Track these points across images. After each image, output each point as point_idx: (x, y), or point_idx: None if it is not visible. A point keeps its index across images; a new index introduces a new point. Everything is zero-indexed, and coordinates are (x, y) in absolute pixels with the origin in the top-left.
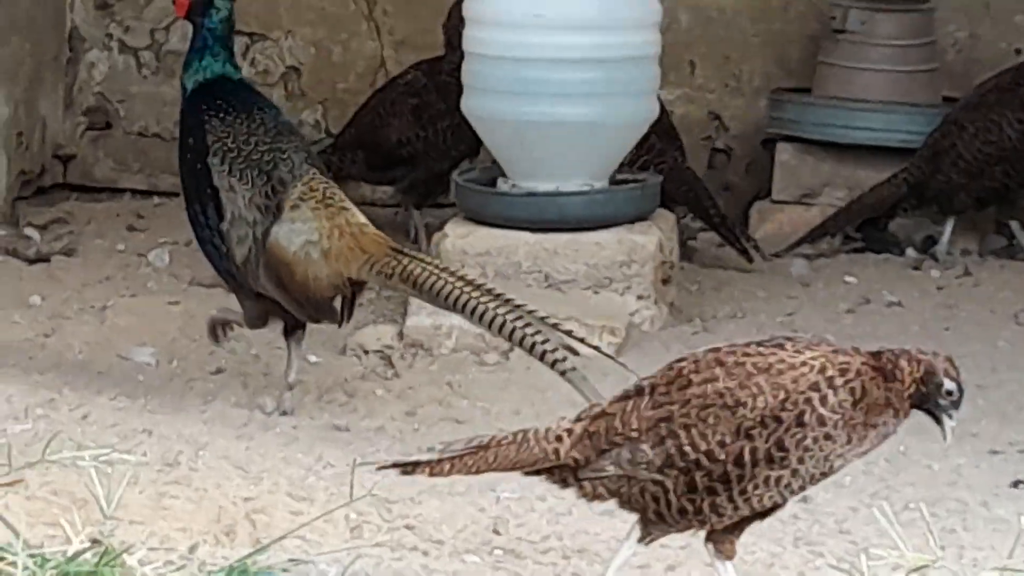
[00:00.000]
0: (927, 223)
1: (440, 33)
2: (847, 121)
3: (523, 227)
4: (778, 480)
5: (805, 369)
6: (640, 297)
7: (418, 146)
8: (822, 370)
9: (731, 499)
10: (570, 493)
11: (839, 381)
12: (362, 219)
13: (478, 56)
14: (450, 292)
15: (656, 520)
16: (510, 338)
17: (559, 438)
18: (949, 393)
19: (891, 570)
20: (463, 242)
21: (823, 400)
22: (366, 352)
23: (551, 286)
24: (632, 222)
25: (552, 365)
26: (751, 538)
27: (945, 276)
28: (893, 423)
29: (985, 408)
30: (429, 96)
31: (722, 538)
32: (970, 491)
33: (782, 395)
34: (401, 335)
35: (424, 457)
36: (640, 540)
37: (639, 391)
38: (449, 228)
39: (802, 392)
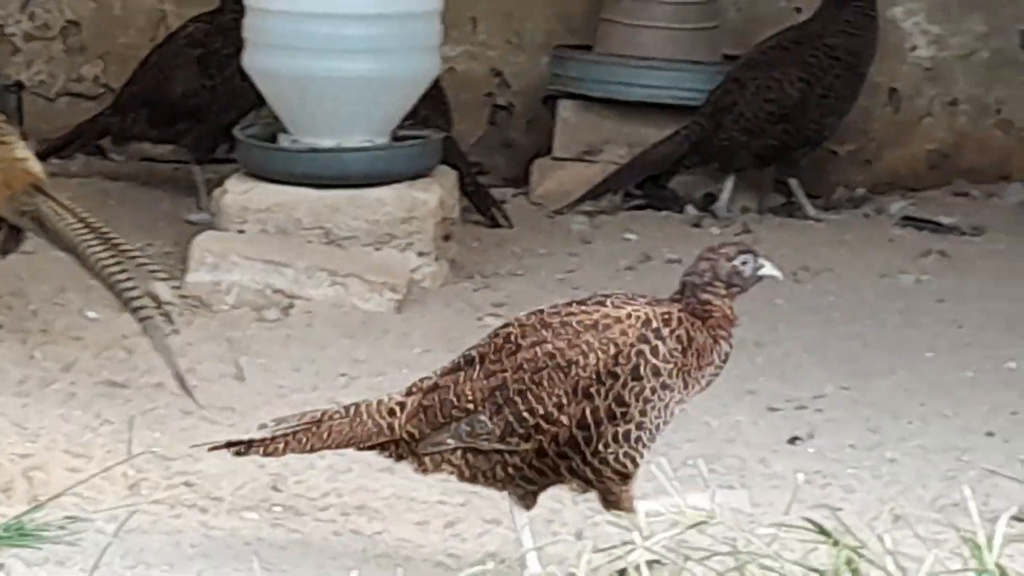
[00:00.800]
0: (707, 180)
1: None
2: (628, 78)
3: (305, 183)
4: (626, 435)
5: (632, 321)
6: (421, 254)
7: (204, 96)
8: (647, 322)
9: (586, 461)
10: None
11: (665, 332)
12: (20, 154)
13: (259, 11)
14: (66, 235)
15: (521, 484)
16: (107, 285)
17: (392, 412)
18: (744, 264)
19: (669, 526)
20: (243, 198)
21: (655, 351)
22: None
23: (332, 243)
24: (414, 179)
25: (135, 313)
26: None
27: (724, 234)
28: (726, 350)
29: (763, 366)
30: (213, 44)
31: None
32: (748, 448)
33: (613, 350)
34: (181, 291)
35: (257, 436)
36: (526, 508)
37: (468, 361)
38: (230, 184)
39: (632, 345)
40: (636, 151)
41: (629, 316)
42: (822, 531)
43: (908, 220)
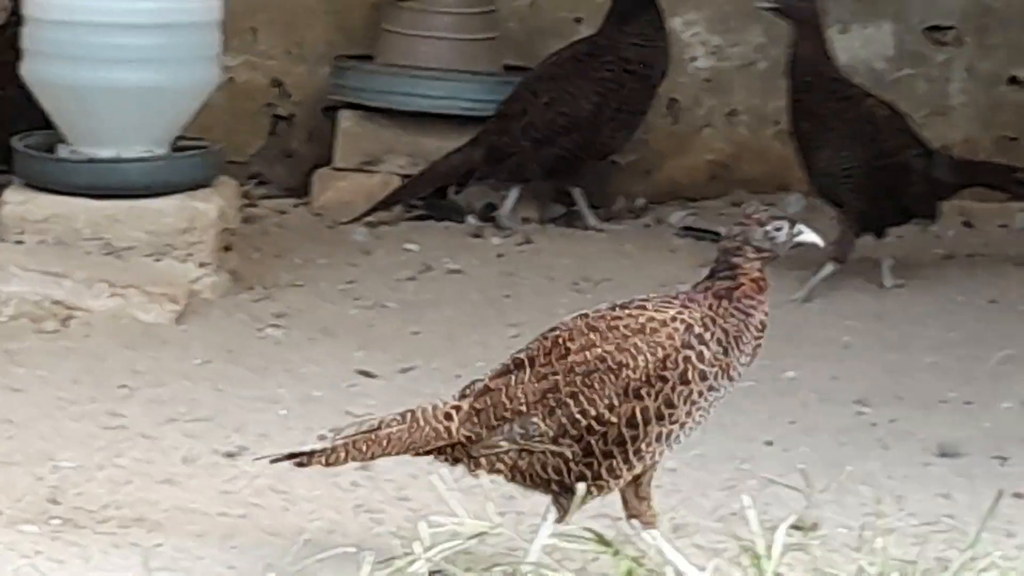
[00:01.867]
0: (487, 191)
1: None
2: (409, 88)
3: (84, 194)
4: (668, 435)
5: (676, 325)
6: (202, 264)
7: None
8: (690, 327)
9: (627, 460)
10: (130, 461)
11: (707, 336)
12: None
13: (36, 21)
14: None
15: (560, 491)
16: None
17: (448, 416)
18: (778, 230)
19: (450, 537)
20: (22, 208)
21: (700, 357)
22: None
23: (112, 253)
24: (194, 189)
25: None
26: (311, 506)
27: (506, 244)
28: (760, 318)
29: None
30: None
31: (640, 509)
32: None
33: (661, 353)
34: None
35: (318, 446)
36: (558, 520)
37: (518, 364)
38: (8, 195)
39: (678, 350)
40: (417, 161)
41: (673, 320)
42: (603, 541)
43: (688, 230)
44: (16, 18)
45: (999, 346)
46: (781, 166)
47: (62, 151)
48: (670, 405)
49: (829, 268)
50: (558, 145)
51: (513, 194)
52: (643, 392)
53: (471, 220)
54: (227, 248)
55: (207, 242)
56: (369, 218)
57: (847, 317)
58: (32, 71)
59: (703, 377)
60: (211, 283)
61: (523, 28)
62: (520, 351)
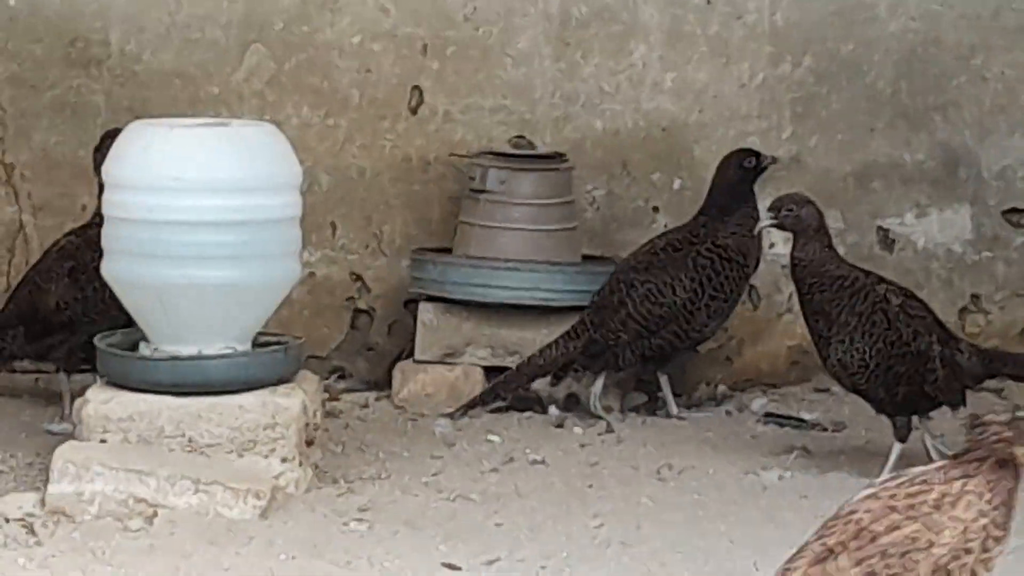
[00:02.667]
0: (568, 380)
1: (76, 198)
2: (488, 280)
3: (167, 391)
4: None
5: (970, 498)
6: (284, 459)
7: (76, 309)
8: (979, 495)
9: None
10: None
11: (995, 501)
12: None
13: (117, 219)
14: None
15: None
16: None
17: None
18: None
19: None
20: (105, 408)
21: (995, 524)
22: (7, 520)
23: (195, 450)
24: (276, 384)
25: None
26: None
27: (588, 433)
28: None
29: (629, 565)
30: (84, 257)
31: None
32: None
33: (961, 527)
34: (43, 502)
35: None
36: None
37: (829, 551)
38: (91, 394)
39: (975, 520)
40: (498, 353)
41: (964, 493)
42: None
43: (770, 417)
44: (99, 218)
45: None
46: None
47: (144, 349)
48: (974, 574)
49: (896, 449)
50: (656, 335)
51: (599, 382)
52: (951, 567)
53: (553, 411)
54: (310, 443)
55: (290, 437)
56: (450, 410)
57: None
58: (113, 270)
59: (997, 540)
60: (294, 478)
61: (600, 217)
62: (820, 537)
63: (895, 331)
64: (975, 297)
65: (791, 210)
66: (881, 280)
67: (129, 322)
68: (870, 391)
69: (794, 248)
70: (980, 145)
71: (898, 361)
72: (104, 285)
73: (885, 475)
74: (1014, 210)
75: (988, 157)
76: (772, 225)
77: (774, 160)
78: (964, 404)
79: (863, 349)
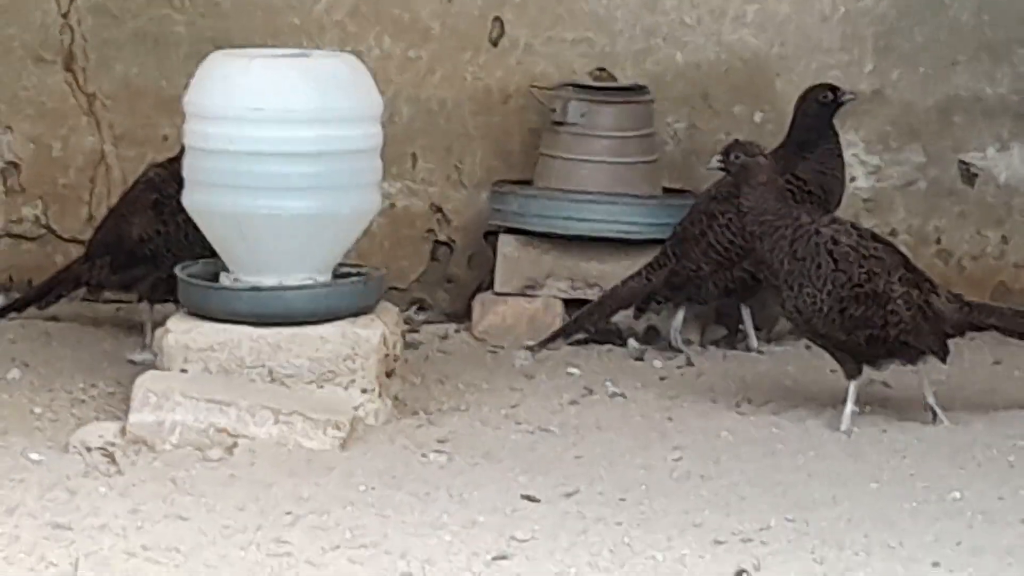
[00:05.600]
0: (649, 313)
1: (158, 128)
2: (568, 213)
3: (247, 322)
4: None
5: None
6: (364, 391)
7: (159, 242)
8: None
9: None
10: None
11: None
12: None
13: (198, 150)
14: None
15: None
16: None
17: None
18: None
19: None
20: (186, 337)
21: None
22: (88, 449)
23: (275, 380)
24: (356, 315)
25: None
26: None
27: (667, 367)
28: None
29: (708, 498)
30: (169, 190)
31: None
32: None
33: None
34: (124, 431)
35: None
36: None
37: None
38: (171, 323)
39: None
40: (578, 285)
41: None
42: None
43: None
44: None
45: None
46: (943, 284)
47: (225, 280)
48: None
49: (852, 389)
50: (738, 267)
51: (679, 315)
52: None
53: (632, 343)
54: (389, 374)
55: (370, 368)
56: (529, 342)
57: (1013, 436)
58: (194, 200)
59: None
60: (374, 409)
61: (680, 150)
62: None
63: (843, 272)
64: None
65: (738, 158)
66: (833, 221)
67: (212, 254)
68: (830, 336)
69: (740, 196)
70: None
71: (851, 303)
72: (188, 218)
73: (846, 418)
74: None
75: None
76: (719, 169)
77: (853, 96)
78: (947, 353)
79: (812, 293)
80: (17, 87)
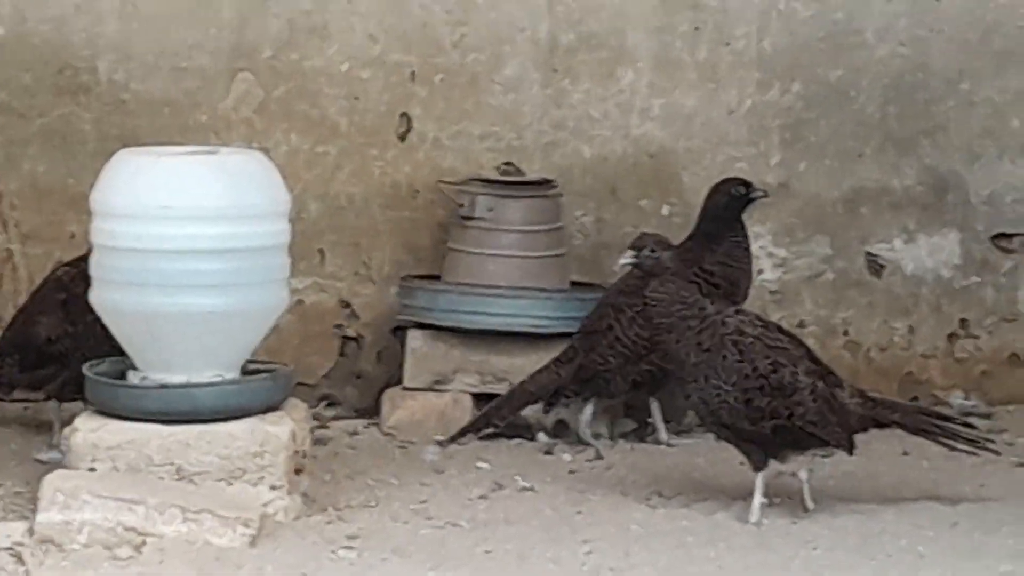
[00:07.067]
0: (558, 407)
1: (65, 226)
2: (477, 307)
3: (156, 419)
4: None
5: None
6: (273, 487)
7: (67, 343)
8: None
9: None
10: None
11: None
12: None
13: (105, 248)
14: None
15: None
16: None
17: None
18: None
19: None
20: (94, 436)
21: None
22: None
23: (184, 478)
24: (265, 412)
25: None
26: None
27: (577, 460)
28: None
29: None
30: (77, 289)
31: None
32: None
33: None
34: (32, 531)
35: None
36: None
37: None
38: (79, 422)
39: None
40: (487, 379)
41: None
42: None
43: None
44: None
45: None
46: (850, 376)
47: (132, 378)
48: None
49: (759, 481)
50: (646, 360)
51: (588, 409)
52: None
53: (542, 437)
54: (299, 470)
55: (279, 465)
56: (439, 437)
57: (922, 527)
58: (102, 298)
59: None
60: (283, 506)
61: (589, 244)
62: None
63: (749, 363)
64: (964, 322)
65: (653, 251)
66: (739, 312)
67: (122, 352)
68: (736, 427)
69: (648, 288)
70: (968, 170)
71: (756, 394)
72: (97, 317)
73: (755, 510)
74: (1002, 235)
75: (976, 182)
76: (632, 264)
77: (764, 193)
78: (853, 446)
79: (718, 385)
80: None
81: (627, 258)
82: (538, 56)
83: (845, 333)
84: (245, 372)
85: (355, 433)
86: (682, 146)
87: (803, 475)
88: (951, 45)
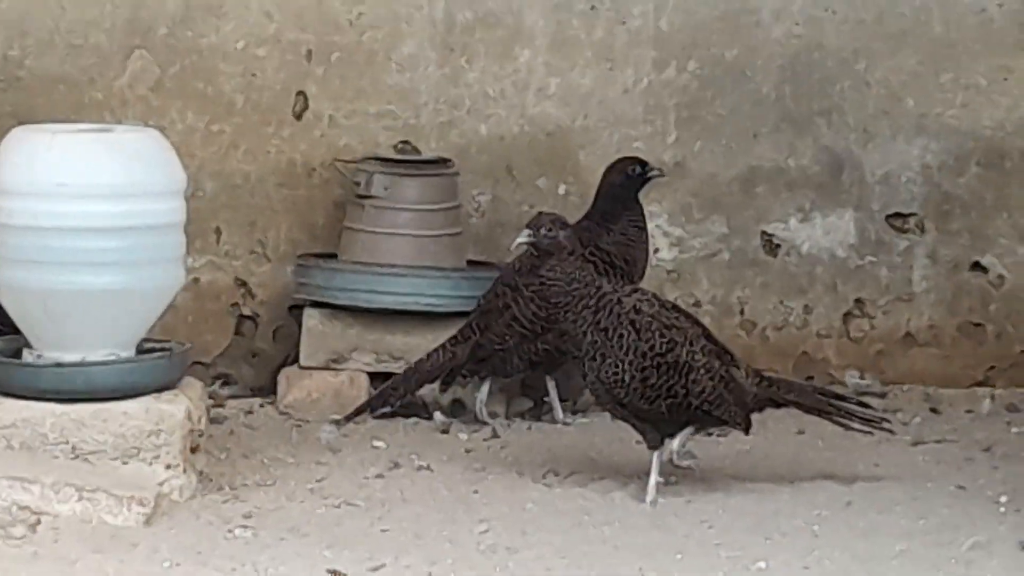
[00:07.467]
0: (454, 386)
1: None
2: (373, 286)
3: (50, 398)
4: None
5: None
6: (169, 466)
7: None
8: None
9: None
10: None
11: None
12: None
13: (1, 226)
14: None
15: None
16: None
17: None
18: None
19: None
20: None
21: None
22: None
23: (79, 457)
24: (160, 391)
25: None
26: None
27: (473, 439)
28: None
29: (515, 570)
30: None
31: None
32: None
33: None
34: None
35: None
36: None
37: None
38: None
39: None
40: (383, 358)
41: None
42: None
43: None
44: None
45: (969, 533)
46: (746, 356)
47: (27, 356)
48: None
49: (655, 460)
50: (542, 339)
51: (485, 388)
52: None
53: (438, 416)
54: (194, 449)
55: (174, 444)
56: (336, 416)
57: (817, 506)
58: None
59: None
60: (179, 485)
61: (485, 222)
62: None
63: (645, 342)
64: (859, 302)
65: (549, 230)
66: (635, 291)
67: (16, 330)
68: (633, 406)
69: (544, 268)
70: (863, 150)
71: (653, 372)
72: None
73: (651, 489)
74: (897, 215)
75: (871, 162)
76: (528, 244)
77: (661, 173)
78: (749, 425)
79: (615, 363)
80: None
81: (523, 237)
82: (435, 35)
83: (741, 312)
84: (141, 351)
85: (251, 412)
86: (579, 125)
87: (675, 444)
88: (846, 25)
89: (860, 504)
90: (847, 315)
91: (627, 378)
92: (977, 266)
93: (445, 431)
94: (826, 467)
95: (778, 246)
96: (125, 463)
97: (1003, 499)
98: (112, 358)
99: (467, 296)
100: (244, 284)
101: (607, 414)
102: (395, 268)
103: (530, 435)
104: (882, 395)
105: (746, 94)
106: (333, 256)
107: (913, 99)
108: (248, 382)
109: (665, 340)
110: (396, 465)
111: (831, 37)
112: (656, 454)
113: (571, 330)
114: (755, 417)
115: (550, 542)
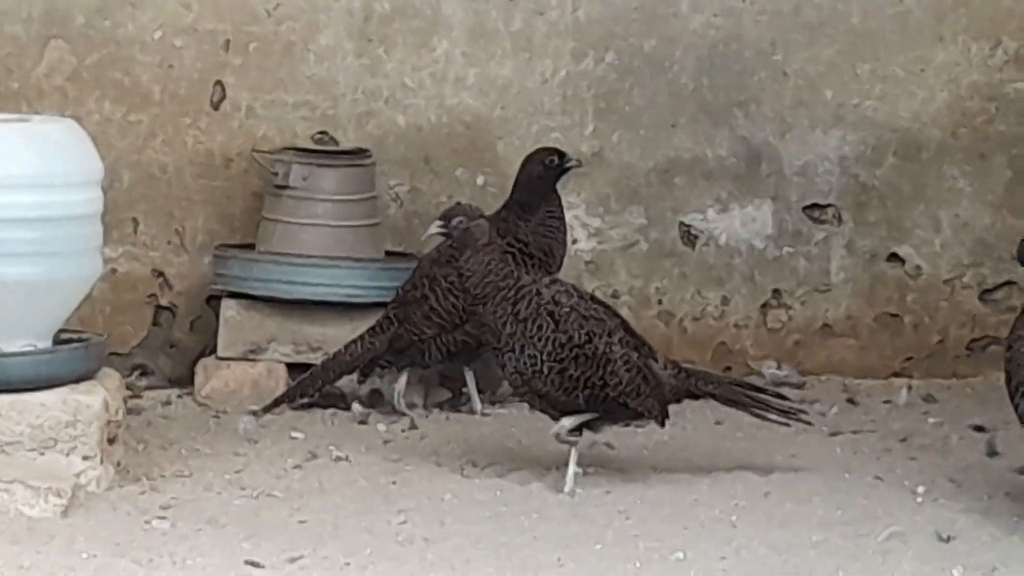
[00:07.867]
0: (373, 377)
1: None
2: (291, 277)
3: None
4: None
5: None
6: (86, 457)
7: None
8: None
9: None
10: None
11: None
12: None
13: None
14: None
15: None
16: None
17: None
18: None
19: None
20: None
21: None
22: None
23: None
24: (77, 382)
25: None
26: None
27: (391, 430)
28: None
29: (433, 561)
30: None
31: None
32: None
33: None
34: None
35: None
36: None
37: None
38: None
39: None
40: (301, 349)
41: None
42: None
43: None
44: None
45: (886, 523)
46: (663, 346)
47: None
48: None
49: (573, 451)
50: (461, 330)
51: (403, 378)
52: None
53: (356, 407)
54: (112, 440)
55: (91, 435)
56: (254, 407)
57: (735, 497)
58: None
59: None
60: (96, 476)
61: (403, 212)
62: None
63: (563, 333)
64: (776, 292)
65: (461, 222)
66: (554, 282)
67: None
68: (550, 396)
69: (462, 258)
70: (781, 141)
71: (571, 363)
72: None
73: (569, 479)
74: (815, 206)
75: (789, 153)
76: (440, 234)
77: (578, 163)
78: (666, 417)
79: (533, 354)
80: None
81: (434, 228)
82: (352, 25)
83: (659, 303)
84: (57, 341)
85: (168, 403)
86: (497, 116)
87: (567, 422)
88: (763, 16)
89: (778, 495)
90: (765, 306)
91: (545, 369)
92: (894, 257)
93: (363, 422)
94: (744, 458)
95: (696, 237)
96: (42, 454)
97: (920, 489)
98: (29, 349)
99: (385, 287)
100: (162, 275)
101: (525, 405)
102: (313, 259)
103: (448, 426)
104: (800, 386)
105: (664, 85)
106: (251, 247)
107: (831, 90)
108: (166, 373)
109: (583, 331)
110: (314, 456)
111: (749, 28)
112: (573, 446)
113: (489, 321)
114: (673, 408)
115: (468, 533)
